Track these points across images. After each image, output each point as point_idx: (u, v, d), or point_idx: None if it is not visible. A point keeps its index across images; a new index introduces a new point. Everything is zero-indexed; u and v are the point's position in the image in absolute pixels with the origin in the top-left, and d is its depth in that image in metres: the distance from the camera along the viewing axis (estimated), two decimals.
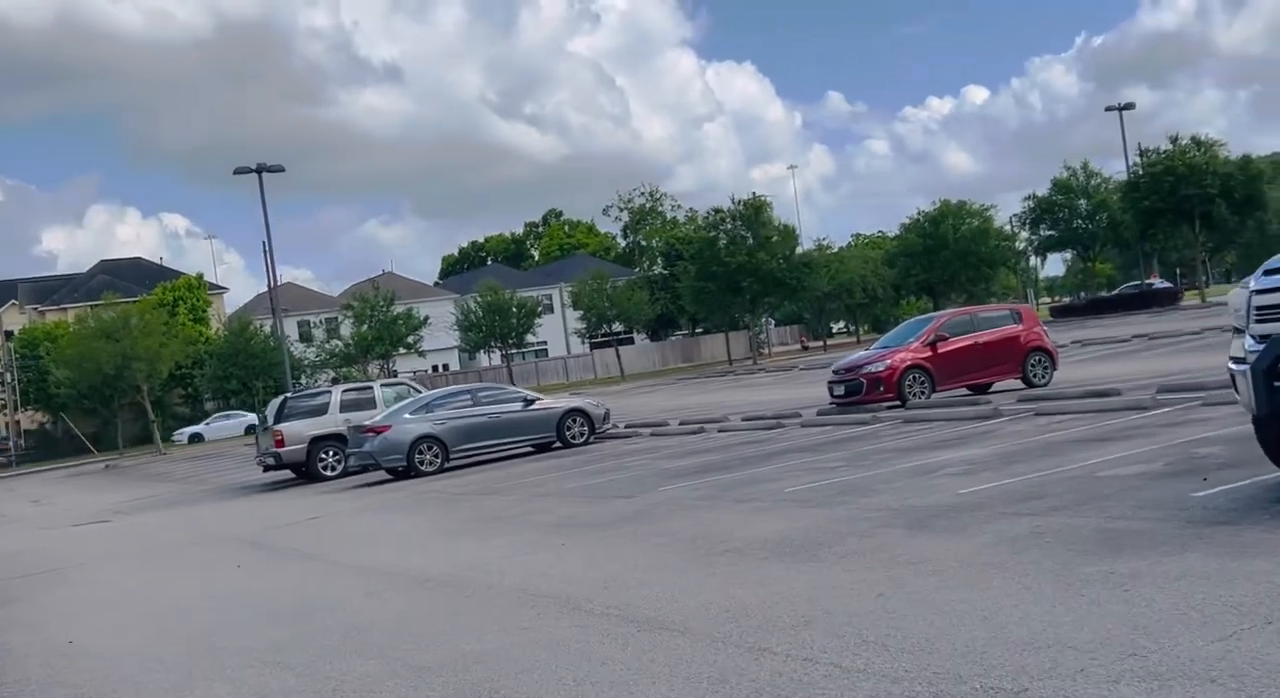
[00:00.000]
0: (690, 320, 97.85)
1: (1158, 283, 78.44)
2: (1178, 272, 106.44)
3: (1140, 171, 61.67)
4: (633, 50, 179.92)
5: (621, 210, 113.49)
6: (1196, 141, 61.09)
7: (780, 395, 36.28)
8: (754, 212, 63.10)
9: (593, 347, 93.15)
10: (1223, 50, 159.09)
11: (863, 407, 22.74)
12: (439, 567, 11.49)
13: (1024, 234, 73.85)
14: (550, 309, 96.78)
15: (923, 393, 22.91)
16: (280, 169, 54.08)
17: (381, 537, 15.34)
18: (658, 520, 12.37)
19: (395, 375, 67.26)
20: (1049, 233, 72.10)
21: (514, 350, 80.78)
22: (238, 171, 52.91)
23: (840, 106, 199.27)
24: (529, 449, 26.00)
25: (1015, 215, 73.94)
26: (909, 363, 23.08)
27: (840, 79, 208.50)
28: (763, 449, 18.56)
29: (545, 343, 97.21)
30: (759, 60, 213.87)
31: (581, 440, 25.94)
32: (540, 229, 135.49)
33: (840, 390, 23.73)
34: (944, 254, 70.47)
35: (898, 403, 22.77)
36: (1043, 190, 72.49)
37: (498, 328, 76.49)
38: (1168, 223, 61.79)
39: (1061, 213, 70.81)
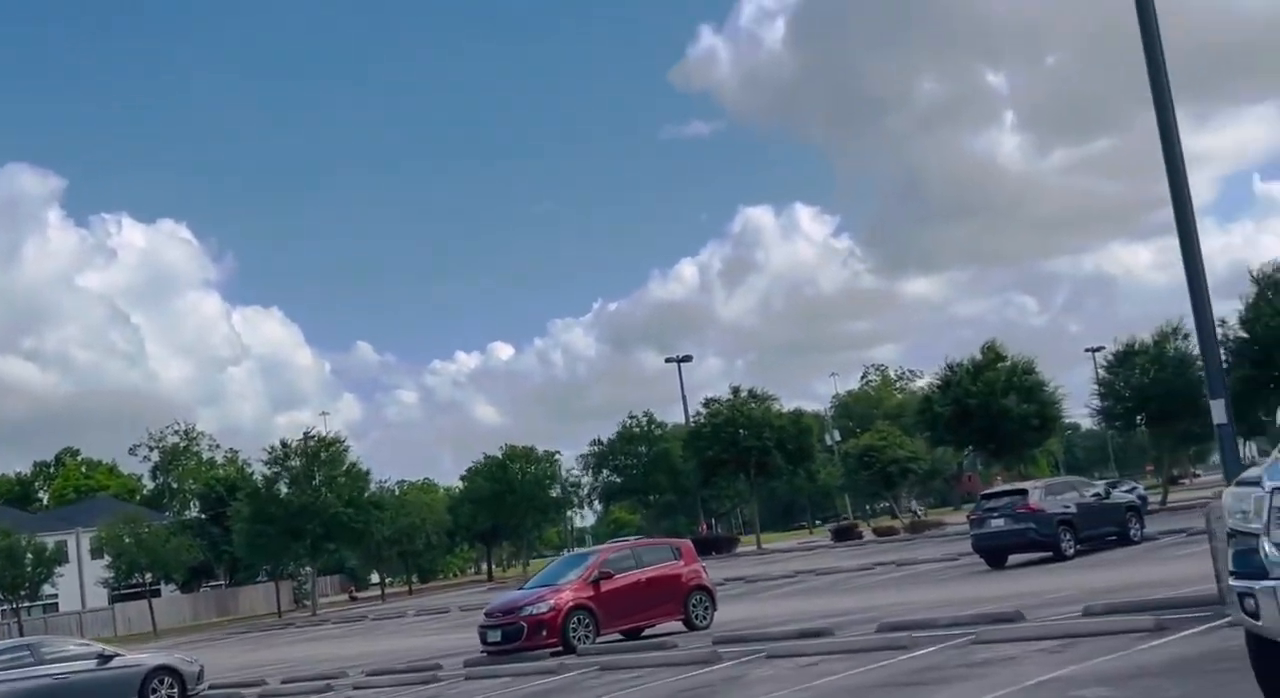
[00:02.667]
0: (228, 570, 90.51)
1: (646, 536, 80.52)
2: (713, 520, 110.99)
3: (703, 421, 63.88)
4: (152, 289, 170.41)
5: (152, 449, 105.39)
6: (753, 394, 64.34)
7: (373, 647, 32.73)
8: (325, 449, 59.47)
9: (113, 599, 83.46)
10: (722, 321, 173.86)
11: (523, 654, 20.09)
12: None
13: (586, 480, 74.31)
14: (65, 557, 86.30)
15: (588, 637, 20.59)
16: None
17: None
18: None
19: None
20: (611, 479, 72.89)
21: (25, 604, 70.62)
22: None
23: (370, 357, 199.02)
24: None
25: (579, 456, 74.44)
26: (573, 603, 20.75)
27: (369, 330, 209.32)
28: None
29: (56, 595, 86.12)
30: (287, 307, 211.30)
31: None
32: (53, 469, 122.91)
33: (496, 636, 20.93)
34: (510, 499, 69.36)
35: (561, 649, 20.30)
36: (605, 435, 73.71)
37: (7, 577, 66.72)
38: (728, 472, 63.94)
39: (624, 460, 71.97)
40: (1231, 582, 7.29)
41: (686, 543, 24.53)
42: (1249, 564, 7.07)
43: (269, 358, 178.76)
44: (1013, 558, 29.57)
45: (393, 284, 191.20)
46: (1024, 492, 29.94)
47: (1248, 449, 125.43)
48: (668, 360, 67.62)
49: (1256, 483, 7.15)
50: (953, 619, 15.82)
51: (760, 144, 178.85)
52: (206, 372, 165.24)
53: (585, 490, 75.60)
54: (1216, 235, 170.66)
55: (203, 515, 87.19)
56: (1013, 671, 11.26)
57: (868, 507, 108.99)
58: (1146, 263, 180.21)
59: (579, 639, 20.43)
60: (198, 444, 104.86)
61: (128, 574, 72.34)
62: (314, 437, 60.72)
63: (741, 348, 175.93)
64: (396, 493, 76.03)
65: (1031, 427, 53.47)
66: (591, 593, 21.12)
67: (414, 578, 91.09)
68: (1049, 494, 29.55)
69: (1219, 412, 12.96)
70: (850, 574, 35.06)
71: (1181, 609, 13.44)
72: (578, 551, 27.18)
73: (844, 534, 62.13)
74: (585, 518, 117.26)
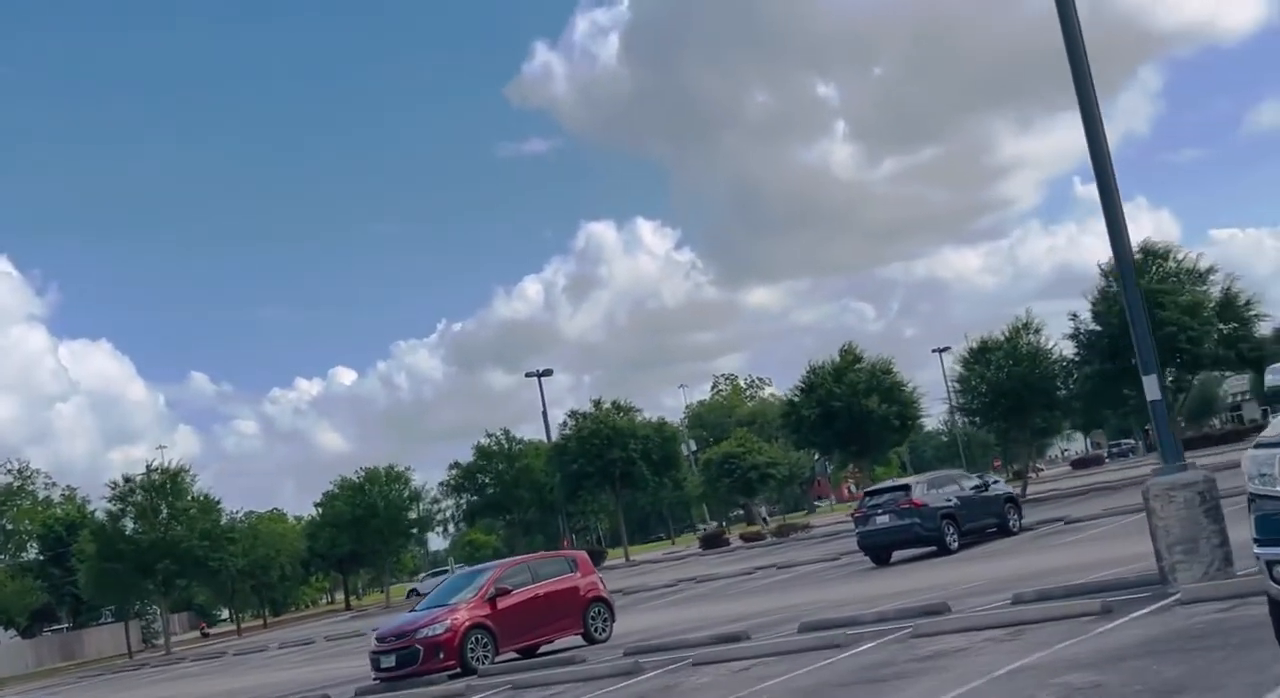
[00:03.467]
0: (71, 612, 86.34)
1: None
2: (572, 536, 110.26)
3: (568, 434, 63.12)
4: None
5: None
6: (617, 406, 63.75)
7: (242, 683, 31.14)
8: (170, 481, 56.69)
9: None
10: (568, 337, 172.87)
11: (419, 679, 19.12)
12: None
13: (448, 502, 72.66)
14: None
15: (486, 657, 19.70)
16: None
17: None
18: None
19: None
20: (472, 499, 71.48)
21: None
22: None
23: (205, 387, 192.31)
24: None
25: (441, 481, 72.72)
26: (470, 623, 19.82)
27: (204, 360, 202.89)
28: None
29: None
30: (117, 339, 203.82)
31: None
32: None
33: (390, 662, 19.85)
34: (374, 523, 67.40)
35: (459, 672, 19.39)
36: (457, 456, 72.34)
37: None
38: (594, 484, 63.22)
39: (485, 479, 70.63)
40: (1257, 550, 6.90)
41: (582, 554, 23.82)
42: (1276, 529, 6.71)
43: (100, 392, 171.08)
44: (896, 554, 29.57)
45: (227, 311, 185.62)
46: (906, 487, 29.96)
47: (1086, 443, 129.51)
48: (528, 375, 66.49)
49: (1278, 444, 6.80)
50: (878, 615, 15.44)
51: (599, 159, 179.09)
52: (33, 409, 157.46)
53: (448, 512, 73.98)
54: (1041, 237, 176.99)
55: (42, 557, 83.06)
56: (973, 662, 10.84)
57: (729, 515, 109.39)
58: (975, 266, 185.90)
59: (477, 660, 19.54)
60: (33, 483, 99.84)
61: None
62: (157, 468, 57.83)
63: (589, 364, 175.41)
64: (247, 524, 73.42)
65: (893, 427, 54.15)
66: (488, 611, 20.22)
67: (267, 611, 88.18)
68: (931, 488, 29.57)
69: (1152, 387, 12.79)
70: (732, 580, 34.77)
71: (1116, 592, 13.24)
72: (469, 567, 26.15)
73: (713, 542, 62.02)
74: (442, 541, 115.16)
